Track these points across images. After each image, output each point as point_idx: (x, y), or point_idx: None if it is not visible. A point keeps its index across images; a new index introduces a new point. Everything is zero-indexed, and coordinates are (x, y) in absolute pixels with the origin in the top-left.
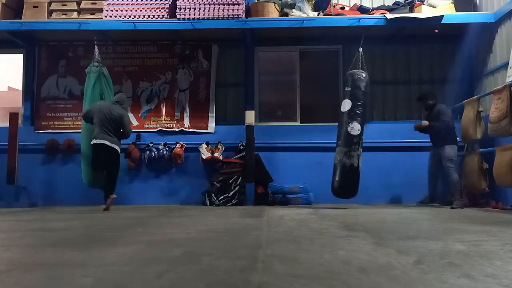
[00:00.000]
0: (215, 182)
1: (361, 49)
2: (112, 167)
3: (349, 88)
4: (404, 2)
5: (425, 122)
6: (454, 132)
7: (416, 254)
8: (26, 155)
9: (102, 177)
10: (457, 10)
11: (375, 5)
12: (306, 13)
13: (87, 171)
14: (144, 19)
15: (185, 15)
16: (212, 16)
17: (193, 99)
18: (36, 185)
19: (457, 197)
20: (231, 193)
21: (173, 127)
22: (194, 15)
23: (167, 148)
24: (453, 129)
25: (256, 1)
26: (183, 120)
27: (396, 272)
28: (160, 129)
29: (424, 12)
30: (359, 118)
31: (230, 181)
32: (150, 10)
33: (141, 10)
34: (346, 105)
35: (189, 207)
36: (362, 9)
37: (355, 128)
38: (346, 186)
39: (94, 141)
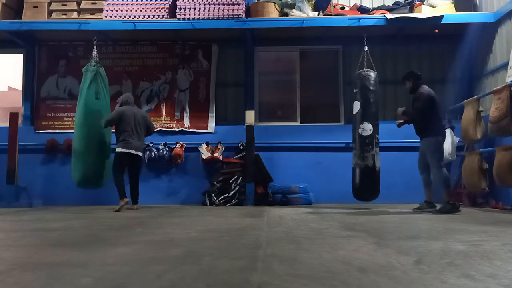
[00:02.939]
0: (215, 182)
1: (366, 48)
2: (138, 173)
3: (357, 89)
4: (404, 2)
5: (400, 109)
6: (438, 121)
7: (416, 254)
8: (26, 155)
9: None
10: (457, 10)
11: (375, 5)
12: (306, 13)
13: (78, 169)
14: (144, 19)
15: (185, 15)
16: (212, 16)
17: (193, 99)
18: (36, 185)
19: (447, 198)
20: (231, 193)
21: (173, 127)
22: (194, 15)
23: (167, 148)
24: (436, 118)
25: (256, 1)
26: (183, 120)
27: (396, 272)
28: (160, 129)
29: (424, 12)
30: (370, 118)
31: (230, 181)
32: (150, 10)
33: (141, 10)
34: (356, 107)
35: (189, 207)
36: (362, 9)
37: (366, 128)
38: (365, 188)
39: (128, 150)
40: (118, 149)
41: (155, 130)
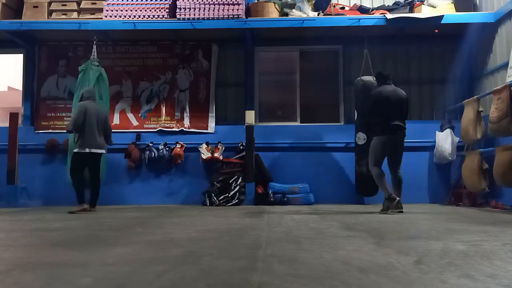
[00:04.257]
0: (215, 182)
1: (366, 51)
2: (98, 172)
3: (355, 99)
4: (404, 2)
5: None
6: (382, 121)
7: (416, 254)
8: (26, 155)
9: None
10: (457, 10)
11: (375, 5)
12: (306, 13)
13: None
14: (144, 19)
15: (185, 15)
16: (212, 16)
17: (193, 99)
18: (36, 185)
19: (385, 193)
20: (231, 193)
21: (173, 127)
22: (194, 15)
23: (167, 148)
24: (381, 118)
25: (256, 1)
26: (183, 120)
27: (396, 272)
28: (160, 129)
29: (424, 12)
30: (363, 127)
31: (230, 181)
32: (150, 10)
33: (141, 10)
34: (356, 115)
35: (189, 207)
36: (362, 9)
37: (360, 137)
38: (363, 188)
39: (90, 150)
40: (77, 150)
41: (155, 130)
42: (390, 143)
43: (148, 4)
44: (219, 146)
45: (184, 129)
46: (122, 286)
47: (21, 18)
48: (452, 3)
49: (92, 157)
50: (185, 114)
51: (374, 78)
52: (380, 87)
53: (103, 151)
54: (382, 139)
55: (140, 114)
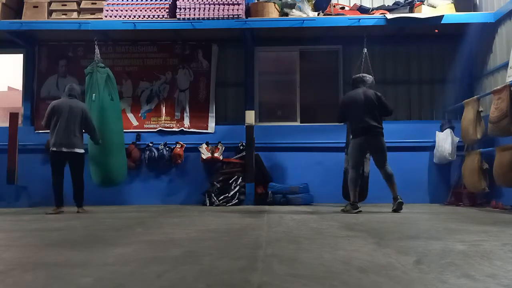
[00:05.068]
0: (215, 182)
1: (365, 50)
2: (78, 172)
3: None
4: (404, 2)
5: None
6: (351, 124)
7: (416, 254)
8: (26, 155)
9: (62, 183)
10: (457, 10)
11: (375, 5)
12: (306, 13)
13: (99, 173)
14: (144, 19)
15: (185, 15)
16: (212, 16)
17: (193, 99)
18: (36, 185)
19: (351, 198)
20: (231, 193)
21: (173, 127)
22: (194, 15)
23: (167, 148)
24: (350, 121)
25: (256, 1)
26: (183, 120)
27: (396, 272)
28: (160, 129)
29: (424, 12)
30: None
31: (230, 181)
32: (150, 10)
33: (141, 10)
34: None
35: (189, 207)
36: (362, 9)
37: None
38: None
39: (59, 149)
40: (50, 149)
41: (155, 130)
42: (365, 143)
43: (148, 4)
44: (219, 146)
45: (184, 129)
46: (122, 286)
47: (21, 18)
48: (452, 3)
49: (67, 157)
50: (185, 114)
51: (371, 77)
52: (350, 92)
53: (77, 150)
54: (358, 141)
55: (140, 114)
